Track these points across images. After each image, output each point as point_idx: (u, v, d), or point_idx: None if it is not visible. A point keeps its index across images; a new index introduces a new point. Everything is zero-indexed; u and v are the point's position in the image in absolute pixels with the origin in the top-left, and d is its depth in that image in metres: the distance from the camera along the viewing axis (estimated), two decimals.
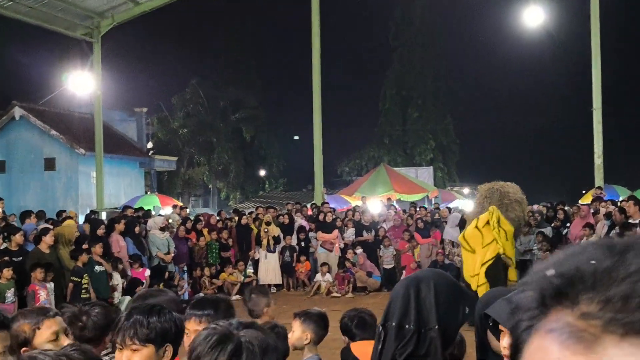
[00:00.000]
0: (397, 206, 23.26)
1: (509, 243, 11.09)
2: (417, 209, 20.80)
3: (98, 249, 12.83)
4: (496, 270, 10.68)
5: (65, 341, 3.19)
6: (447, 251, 17.33)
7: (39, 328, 3.19)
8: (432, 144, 49.81)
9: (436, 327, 2.50)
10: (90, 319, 3.64)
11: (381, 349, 2.57)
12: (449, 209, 20.73)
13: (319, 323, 4.51)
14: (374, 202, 24.80)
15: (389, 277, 17.58)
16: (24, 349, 3.05)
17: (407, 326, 2.52)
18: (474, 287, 10.53)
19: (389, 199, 24.00)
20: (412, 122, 50.33)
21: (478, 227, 11.07)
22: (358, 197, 27.44)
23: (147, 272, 14.35)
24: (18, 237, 12.24)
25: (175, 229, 16.94)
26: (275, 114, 57.05)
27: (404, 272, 17.33)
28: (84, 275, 12.10)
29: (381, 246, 18.23)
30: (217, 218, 19.54)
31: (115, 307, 11.88)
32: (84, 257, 12.29)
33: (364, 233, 18.61)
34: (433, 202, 27.49)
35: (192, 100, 49.68)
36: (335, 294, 16.90)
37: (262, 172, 54.99)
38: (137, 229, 15.11)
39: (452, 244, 17.11)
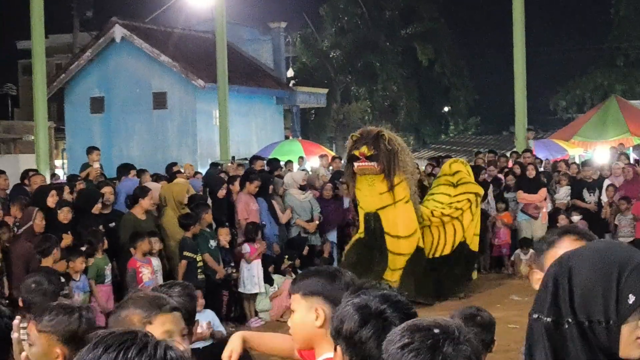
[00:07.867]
0: (634, 155, 22.63)
1: None
2: None
3: (209, 216, 13.14)
4: None
5: (180, 345, 3.29)
6: None
7: (150, 323, 3.30)
8: None
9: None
10: None
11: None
12: None
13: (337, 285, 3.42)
14: (601, 149, 24.24)
15: None
16: None
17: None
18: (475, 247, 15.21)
19: (620, 144, 23.39)
20: None
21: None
22: (578, 142, 26.87)
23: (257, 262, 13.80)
24: (108, 193, 12.71)
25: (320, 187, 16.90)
26: (462, 29, 56.43)
27: None
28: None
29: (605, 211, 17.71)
30: None
31: None
32: (196, 228, 12.63)
33: (585, 193, 18.12)
34: None
35: (348, 10, 49.94)
36: None
37: (445, 109, 54.67)
38: (270, 188, 15.34)
39: None
